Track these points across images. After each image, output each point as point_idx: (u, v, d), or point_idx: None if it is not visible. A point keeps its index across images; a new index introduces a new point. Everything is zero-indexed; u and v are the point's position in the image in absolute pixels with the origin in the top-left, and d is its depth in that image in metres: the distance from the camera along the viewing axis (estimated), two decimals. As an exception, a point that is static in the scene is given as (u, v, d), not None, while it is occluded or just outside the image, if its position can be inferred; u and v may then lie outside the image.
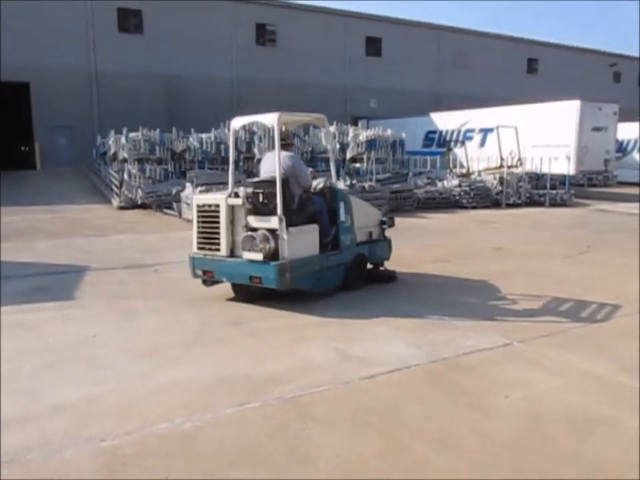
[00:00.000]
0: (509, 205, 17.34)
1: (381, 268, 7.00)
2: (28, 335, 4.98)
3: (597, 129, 20.42)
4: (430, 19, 41.06)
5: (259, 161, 18.55)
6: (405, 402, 3.57)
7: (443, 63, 35.70)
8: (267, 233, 5.40)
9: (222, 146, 17.24)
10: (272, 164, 5.65)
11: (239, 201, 5.73)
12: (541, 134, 20.88)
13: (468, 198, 16.91)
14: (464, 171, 20.15)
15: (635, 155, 26.72)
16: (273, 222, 5.43)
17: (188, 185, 13.32)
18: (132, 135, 17.13)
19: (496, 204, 17.41)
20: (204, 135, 17.65)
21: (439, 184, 17.67)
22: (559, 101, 20.59)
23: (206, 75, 27.99)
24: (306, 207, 5.83)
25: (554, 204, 17.67)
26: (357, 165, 19.83)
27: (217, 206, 5.77)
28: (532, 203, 17.96)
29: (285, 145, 5.89)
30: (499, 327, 5.10)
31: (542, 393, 3.72)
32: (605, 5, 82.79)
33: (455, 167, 20.97)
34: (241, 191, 5.82)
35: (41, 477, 2.76)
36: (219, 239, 5.76)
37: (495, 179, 17.83)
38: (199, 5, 27.97)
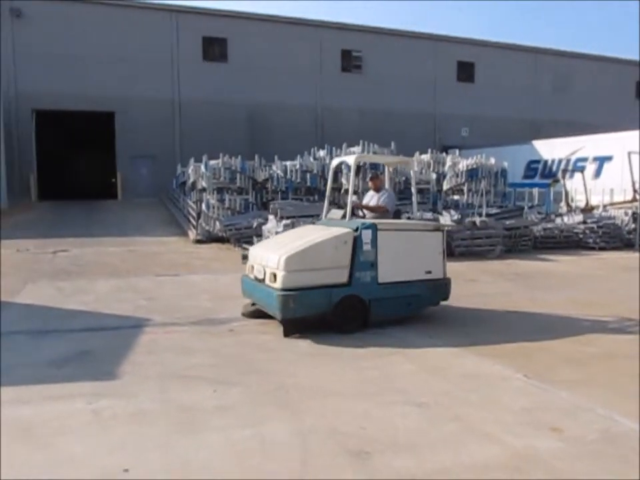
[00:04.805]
0: (643, 247, 14.47)
1: None
2: (16, 456, 3.19)
3: None
4: (526, 41, 38.26)
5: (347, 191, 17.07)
6: None
7: (541, 87, 32.82)
8: None
9: (308, 175, 15.59)
10: None
11: None
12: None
13: (595, 237, 14.19)
14: (582, 205, 17.40)
15: None
16: None
17: (271, 217, 11.66)
18: (212, 162, 15.87)
19: (627, 244, 14.58)
20: (289, 163, 16.09)
21: (558, 220, 15.06)
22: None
23: (289, 102, 26.84)
24: None
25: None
26: (456, 197, 17.58)
27: None
28: (670, 244, 14.98)
29: None
30: None
31: None
32: None
33: (567, 200, 18.21)
34: None
35: None
36: None
37: (626, 214, 15.00)
38: (285, 31, 27.11)
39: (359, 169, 7.30)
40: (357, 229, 5.90)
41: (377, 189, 6.98)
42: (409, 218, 7.43)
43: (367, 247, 5.86)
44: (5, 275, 9.61)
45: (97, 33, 24.01)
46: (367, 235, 5.87)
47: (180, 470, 2.98)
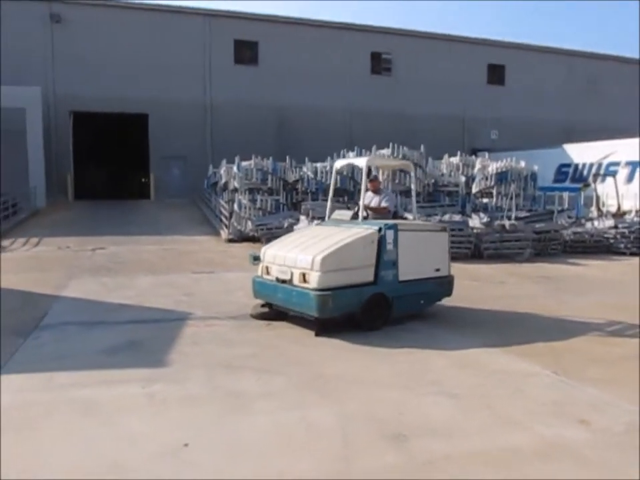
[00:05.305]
0: (675, 253, 14.30)
1: None
2: (85, 432, 3.51)
3: None
4: (558, 43, 37.80)
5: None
6: None
7: (573, 91, 32.42)
8: None
9: (337, 176, 15.82)
10: None
11: None
12: None
13: (626, 242, 14.10)
14: (613, 209, 17.28)
15: None
16: None
17: (302, 217, 11.93)
18: (244, 163, 16.25)
19: (659, 250, 14.45)
20: (319, 165, 16.37)
21: (588, 224, 15.00)
22: None
23: (319, 104, 27.14)
24: None
25: None
26: (485, 200, 17.60)
27: None
28: None
29: None
30: None
31: None
32: None
33: (598, 205, 18.10)
34: None
35: None
36: None
37: (658, 219, 14.85)
38: (315, 35, 27.43)
39: (369, 171, 7.58)
40: (380, 229, 6.08)
41: (376, 191, 7.22)
42: (405, 218, 7.68)
43: (389, 247, 6.09)
44: (50, 270, 10.11)
45: (132, 37, 24.70)
46: (390, 235, 6.11)
47: (233, 447, 3.25)
